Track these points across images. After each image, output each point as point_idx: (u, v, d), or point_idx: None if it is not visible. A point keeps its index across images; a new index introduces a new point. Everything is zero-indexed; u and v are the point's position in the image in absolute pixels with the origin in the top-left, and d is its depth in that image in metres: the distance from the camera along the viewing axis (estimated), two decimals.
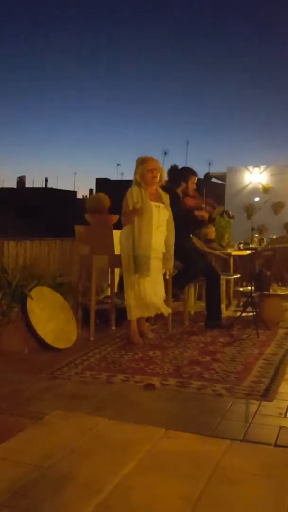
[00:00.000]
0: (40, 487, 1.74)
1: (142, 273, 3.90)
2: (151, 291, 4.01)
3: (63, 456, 1.97)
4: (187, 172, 4.91)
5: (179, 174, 4.91)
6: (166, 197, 4.17)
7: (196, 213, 4.71)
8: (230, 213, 5.86)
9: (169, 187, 4.41)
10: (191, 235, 5.12)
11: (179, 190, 4.81)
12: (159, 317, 4.70)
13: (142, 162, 4.03)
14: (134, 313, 4.02)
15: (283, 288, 5.83)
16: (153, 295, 4.03)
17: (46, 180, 41.57)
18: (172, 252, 4.19)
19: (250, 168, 10.28)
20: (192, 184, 4.85)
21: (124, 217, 4.03)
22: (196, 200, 4.89)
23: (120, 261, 4.08)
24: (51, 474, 1.83)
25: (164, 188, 4.23)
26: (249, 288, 4.89)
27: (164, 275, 4.26)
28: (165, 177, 4.24)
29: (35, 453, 2.00)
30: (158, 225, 4.01)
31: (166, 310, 4.22)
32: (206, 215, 4.83)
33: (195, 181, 4.92)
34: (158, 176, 4.05)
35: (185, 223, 4.68)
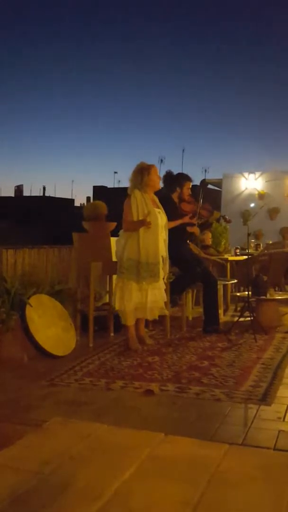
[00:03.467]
0: (40, 493, 1.75)
1: (150, 280, 3.93)
2: (152, 295, 4.03)
3: (62, 462, 1.98)
4: (182, 177, 4.92)
5: (174, 180, 4.90)
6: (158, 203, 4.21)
7: (189, 229, 4.75)
8: (226, 217, 5.83)
9: (164, 193, 4.44)
10: (188, 241, 5.15)
11: (174, 196, 4.83)
12: (157, 323, 4.71)
13: (151, 167, 4.09)
14: (129, 318, 4.03)
15: (280, 292, 5.86)
16: (153, 299, 4.04)
17: (44, 189, 41.80)
18: (166, 256, 4.17)
19: (246, 174, 10.31)
20: (187, 190, 4.87)
21: (129, 224, 3.96)
22: (192, 205, 4.91)
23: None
24: (51, 481, 1.83)
25: (159, 194, 4.26)
26: (246, 293, 4.92)
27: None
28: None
29: (35, 459, 2.00)
30: (161, 231, 4.06)
31: (164, 312, 4.21)
32: (197, 232, 4.92)
33: (190, 186, 4.94)
34: None
35: (181, 229, 4.71)
